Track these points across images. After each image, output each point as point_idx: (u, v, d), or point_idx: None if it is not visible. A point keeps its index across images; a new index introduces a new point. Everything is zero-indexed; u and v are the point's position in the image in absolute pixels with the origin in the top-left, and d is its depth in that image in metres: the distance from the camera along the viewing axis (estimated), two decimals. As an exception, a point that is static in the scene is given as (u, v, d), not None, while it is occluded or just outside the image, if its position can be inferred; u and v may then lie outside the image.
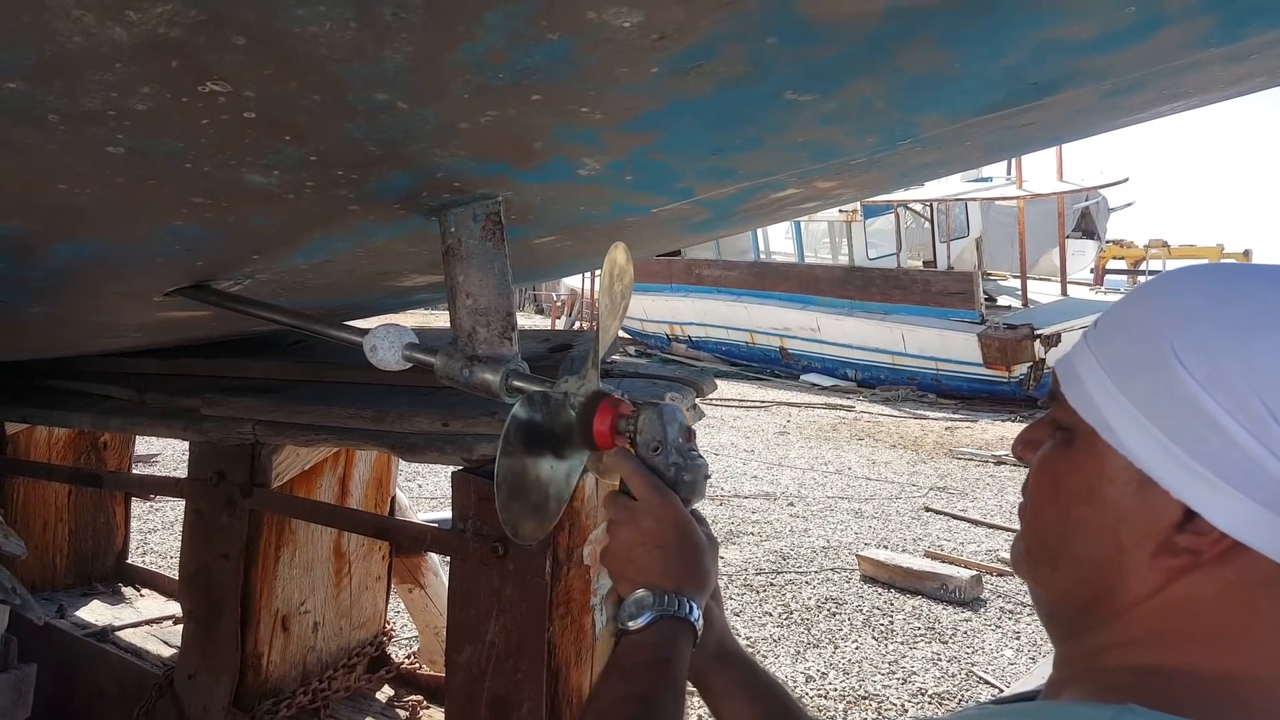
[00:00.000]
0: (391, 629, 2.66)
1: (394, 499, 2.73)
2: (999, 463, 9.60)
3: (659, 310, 18.00)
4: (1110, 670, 0.62)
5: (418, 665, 2.60)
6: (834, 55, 0.79)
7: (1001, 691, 4.09)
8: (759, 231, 17.25)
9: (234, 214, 1.03)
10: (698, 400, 2.05)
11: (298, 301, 1.51)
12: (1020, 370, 13.71)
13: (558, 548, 1.72)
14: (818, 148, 0.99)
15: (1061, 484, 0.65)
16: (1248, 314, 0.57)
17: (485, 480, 1.84)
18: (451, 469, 1.91)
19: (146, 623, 2.81)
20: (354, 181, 0.96)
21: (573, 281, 22.12)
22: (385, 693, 2.49)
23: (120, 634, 2.70)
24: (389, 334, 1.14)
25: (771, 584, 5.86)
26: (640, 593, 0.85)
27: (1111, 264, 23.11)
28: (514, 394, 1.08)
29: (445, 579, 3.18)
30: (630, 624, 0.84)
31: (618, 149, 0.93)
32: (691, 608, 0.86)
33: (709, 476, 0.97)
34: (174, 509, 6.52)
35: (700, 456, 0.97)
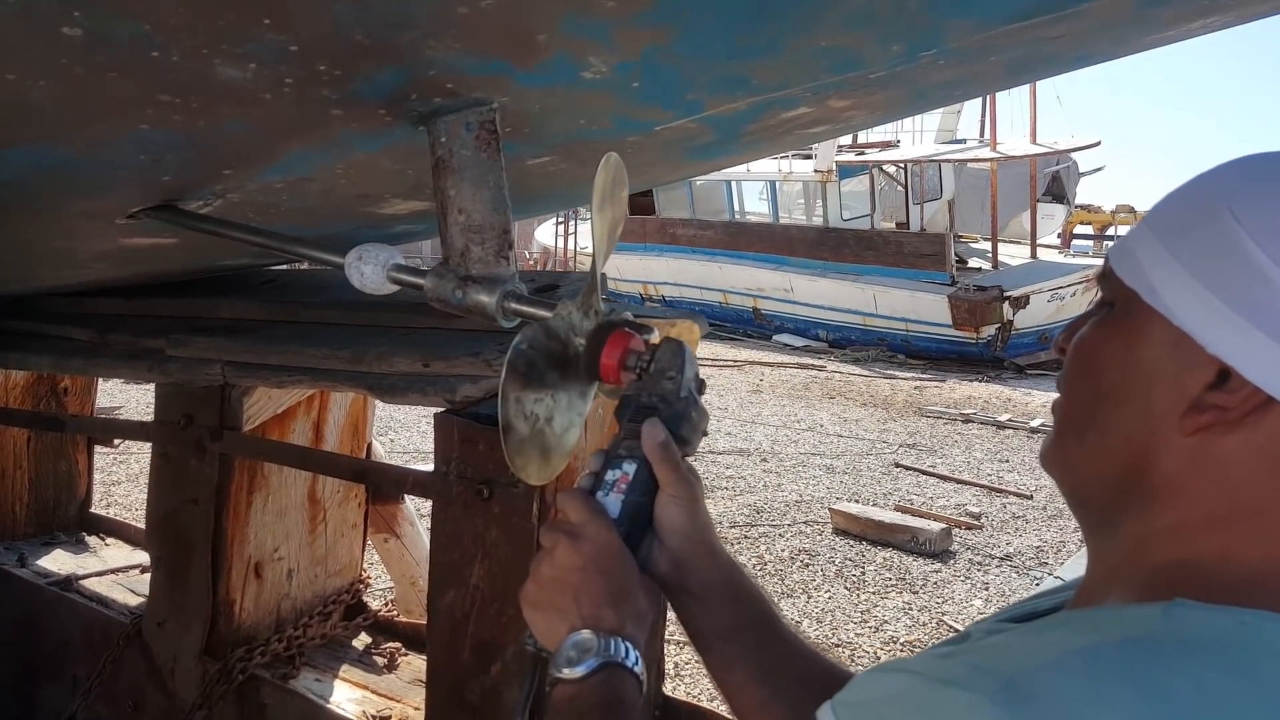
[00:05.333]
0: (368, 578, 2.61)
1: (370, 446, 2.66)
2: (967, 421, 9.70)
3: (633, 270, 17.90)
4: (1150, 568, 0.59)
5: (394, 613, 2.56)
6: (871, -62, 0.72)
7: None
8: (734, 191, 17.16)
9: (205, 117, 0.95)
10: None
11: (270, 229, 1.42)
12: (988, 332, 13.83)
13: (545, 490, 1.67)
14: (839, 56, 0.93)
15: (1095, 352, 0.63)
16: None
17: (469, 422, 1.78)
18: (434, 411, 1.85)
19: (112, 571, 2.73)
20: (337, 79, 0.88)
21: (545, 238, 21.94)
22: (362, 640, 2.44)
23: (85, 583, 2.62)
24: (374, 253, 1.06)
25: (746, 537, 5.88)
26: (583, 634, 0.74)
27: (1079, 229, 23.30)
28: (511, 317, 1.02)
29: (421, 529, 3.13)
30: (568, 671, 0.72)
31: (628, 47, 0.86)
32: (636, 657, 0.75)
33: (706, 433, 0.90)
34: (138, 461, 6.40)
35: (705, 408, 0.91)
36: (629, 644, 0.75)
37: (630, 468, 0.83)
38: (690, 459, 0.87)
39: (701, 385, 0.90)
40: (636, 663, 0.74)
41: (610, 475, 0.83)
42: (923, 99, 1.24)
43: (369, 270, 1.07)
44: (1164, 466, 0.59)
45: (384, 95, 0.93)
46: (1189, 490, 0.58)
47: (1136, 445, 0.60)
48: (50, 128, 0.96)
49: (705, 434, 0.89)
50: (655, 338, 0.92)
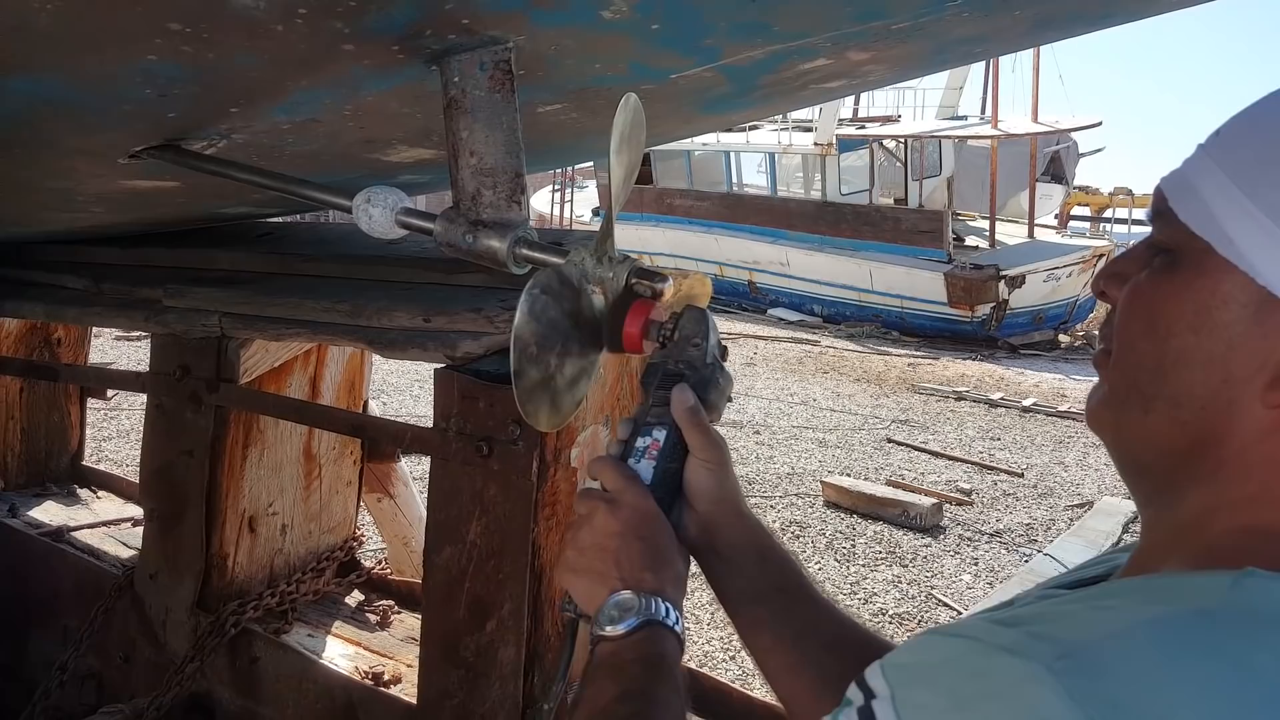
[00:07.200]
0: (362, 535, 2.60)
1: (366, 404, 2.65)
2: (959, 398, 9.73)
3: (628, 240, 17.81)
4: (1216, 534, 0.55)
5: (388, 570, 2.56)
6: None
7: (961, 615, 4.20)
8: (732, 162, 17.06)
9: (214, 49, 0.93)
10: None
11: (275, 172, 1.40)
12: (983, 310, 13.83)
13: (545, 448, 1.66)
14: (865, 2, 0.91)
15: (1161, 311, 0.57)
16: None
17: (469, 378, 1.77)
18: (432, 368, 1.84)
19: (104, 524, 2.72)
20: (352, 10, 0.86)
21: (540, 205, 21.80)
22: (355, 597, 2.44)
23: (77, 534, 2.61)
24: (382, 195, 1.04)
25: (736, 508, 5.92)
26: (624, 594, 0.75)
27: (1076, 210, 23.23)
28: (522, 264, 1.01)
29: (415, 490, 3.13)
30: (610, 629, 0.74)
31: (651, -17, 0.84)
32: (677, 617, 0.76)
33: (731, 398, 0.92)
34: (130, 417, 6.38)
35: (730, 374, 0.92)
36: (669, 604, 0.76)
37: (660, 434, 0.85)
38: (717, 424, 0.88)
39: (724, 351, 0.91)
40: (677, 622, 0.76)
41: (641, 442, 0.85)
42: (942, 55, 1.22)
43: (377, 213, 1.05)
44: (1241, 438, 0.54)
45: (398, 30, 0.91)
46: (1269, 463, 0.54)
47: (1212, 415, 0.55)
48: (54, 56, 0.93)
49: (730, 399, 0.91)
50: (669, 288, 0.92)
